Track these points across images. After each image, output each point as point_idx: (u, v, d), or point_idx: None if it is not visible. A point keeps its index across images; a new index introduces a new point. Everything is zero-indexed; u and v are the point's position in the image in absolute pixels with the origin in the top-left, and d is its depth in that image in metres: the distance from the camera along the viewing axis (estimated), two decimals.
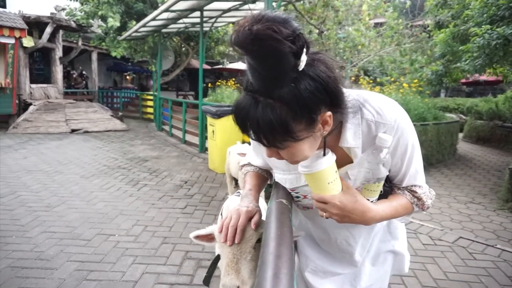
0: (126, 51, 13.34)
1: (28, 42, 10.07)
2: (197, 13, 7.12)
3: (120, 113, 12.84)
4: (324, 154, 0.86)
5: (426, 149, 6.59)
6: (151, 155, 7.14)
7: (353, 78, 10.23)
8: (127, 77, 20.18)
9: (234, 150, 3.88)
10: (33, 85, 11.15)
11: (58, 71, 11.91)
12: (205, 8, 6.85)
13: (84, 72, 15.46)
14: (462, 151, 8.63)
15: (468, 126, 10.72)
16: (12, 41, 9.09)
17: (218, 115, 5.67)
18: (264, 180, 1.21)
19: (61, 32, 11.72)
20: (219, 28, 13.29)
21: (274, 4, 6.14)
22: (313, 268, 1.21)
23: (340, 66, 0.81)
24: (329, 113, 0.77)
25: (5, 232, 3.34)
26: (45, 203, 4.15)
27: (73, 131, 9.83)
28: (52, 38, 11.17)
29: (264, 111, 0.71)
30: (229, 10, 7.17)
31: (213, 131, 5.94)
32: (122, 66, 17.94)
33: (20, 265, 2.74)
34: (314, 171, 0.83)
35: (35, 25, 10.44)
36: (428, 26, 8.77)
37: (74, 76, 14.90)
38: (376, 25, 9.59)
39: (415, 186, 0.97)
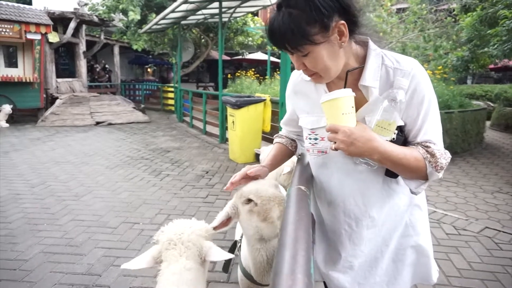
0: (146, 44, 13.53)
1: (53, 37, 10.37)
2: (216, 4, 7.12)
3: (142, 105, 13.09)
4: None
5: (451, 137, 6.41)
6: (173, 146, 7.27)
7: None
8: (148, 69, 20.47)
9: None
10: (59, 80, 11.50)
11: (82, 65, 12.23)
12: None
13: (107, 66, 15.79)
14: (490, 139, 8.34)
15: (496, 114, 10.32)
16: (39, 37, 9.39)
17: (238, 106, 5.70)
18: (287, 153, 1.36)
19: (84, 27, 11.99)
20: (238, 18, 13.25)
21: None
22: (325, 258, 1.23)
23: None
24: (342, 21, 0.89)
25: (37, 220, 3.51)
26: (73, 193, 4.32)
27: (97, 123, 10.11)
28: (76, 33, 11.45)
29: (284, 18, 0.87)
30: (244, 1, 7.13)
31: (233, 122, 5.98)
32: (143, 59, 18.20)
33: (51, 251, 2.89)
34: (331, 98, 0.93)
35: (59, 21, 10.72)
36: (453, 10, 8.44)
37: (98, 70, 15.25)
38: (399, 10, 9.31)
39: (429, 142, 0.97)
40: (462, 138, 6.77)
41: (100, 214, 3.67)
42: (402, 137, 0.99)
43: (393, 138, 0.97)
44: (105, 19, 11.77)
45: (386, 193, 1.10)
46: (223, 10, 7.45)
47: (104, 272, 2.59)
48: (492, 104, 11.39)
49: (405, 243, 1.16)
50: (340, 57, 0.95)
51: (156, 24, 9.56)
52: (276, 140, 1.38)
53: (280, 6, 0.89)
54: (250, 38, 15.19)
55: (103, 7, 14.37)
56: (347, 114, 0.93)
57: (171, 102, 13.44)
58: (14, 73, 9.54)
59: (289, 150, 1.36)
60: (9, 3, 9.60)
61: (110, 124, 10.23)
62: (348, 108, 0.94)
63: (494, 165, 6.06)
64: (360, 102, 1.00)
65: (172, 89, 13.40)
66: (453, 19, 8.20)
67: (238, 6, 7.56)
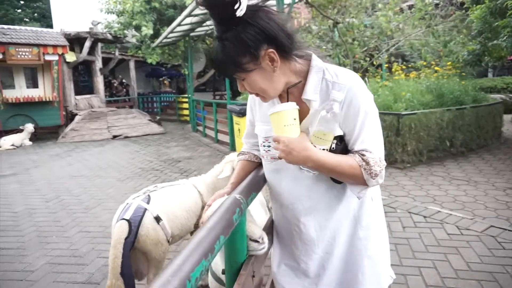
0: (160, 57, 13.91)
1: (70, 57, 10.85)
2: None
3: (158, 117, 13.41)
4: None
5: (464, 133, 6.23)
6: (184, 156, 7.42)
7: (386, 65, 9.89)
8: (165, 81, 20.97)
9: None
10: (78, 97, 11.99)
11: (99, 81, 12.69)
12: None
13: (124, 81, 16.31)
14: (510, 134, 8.03)
15: None
16: (56, 57, 9.86)
17: (242, 114, 5.77)
18: (251, 168, 1.39)
19: (100, 44, 12.46)
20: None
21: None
22: (280, 258, 1.27)
23: (285, 18, 1.05)
24: (271, 50, 0.97)
25: (47, 233, 3.69)
26: (84, 206, 4.50)
27: (114, 137, 10.45)
28: (92, 51, 11.92)
29: (219, 50, 0.98)
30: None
31: (238, 129, 6.06)
32: (159, 71, 18.67)
33: (57, 262, 3.03)
34: (273, 112, 1.03)
35: (75, 41, 11.22)
36: (464, 4, 8.23)
37: (115, 84, 15.77)
38: (410, 7, 9.16)
39: (366, 150, 1.02)
40: (477, 134, 6.56)
41: (106, 225, 3.81)
42: (341, 146, 1.05)
43: (332, 147, 1.04)
44: (118, 35, 12.20)
45: (335, 197, 1.15)
46: None
47: (102, 280, 2.69)
48: None
49: (355, 248, 1.17)
50: (275, 79, 1.04)
51: (166, 37, 9.84)
52: (239, 158, 1.42)
53: (219, 38, 0.99)
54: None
55: (118, 24, 14.91)
56: (289, 125, 1.03)
57: (186, 112, 13.70)
58: (35, 93, 10.04)
59: (254, 163, 1.39)
60: (28, 28, 10.15)
61: (126, 137, 10.55)
62: (290, 120, 1.03)
63: (511, 160, 5.84)
64: (305, 114, 1.08)
65: (186, 100, 13.67)
66: (464, 12, 7.99)
67: None
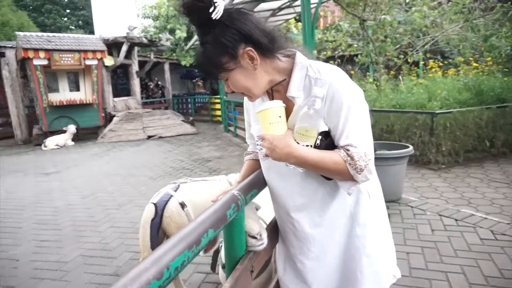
0: (193, 59, 14.25)
1: (108, 61, 11.39)
2: None
3: (191, 118, 13.73)
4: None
5: (507, 133, 5.85)
6: (214, 156, 7.56)
7: (423, 63, 9.49)
8: (199, 83, 21.41)
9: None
10: (116, 99, 12.55)
11: (136, 84, 13.21)
12: (255, 10, 7.01)
13: (159, 83, 16.86)
14: None
15: None
16: (95, 62, 10.40)
17: None
18: (257, 167, 1.39)
19: (136, 48, 12.98)
20: (281, 26, 13.43)
21: None
22: (284, 258, 1.28)
23: (262, 19, 1.06)
24: (249, 48, 1.00)
25: (82, 227, 3.91)
26: (116, 202, 4.71)
27: (149, 137, 10.84)
28: (129, 54, 12.44)
29: (201, 53, 1.02)
30: (279, 9, 7.25)
31: None
32: (193, 73, 19.09)
33: (88, 254, 3.21)
34: (260, 110, 1.07)
35: (113, 45, 11.76)
36: None
37: (151, 87, 16.34)
38: (448, 1, 8.74)
39: (350, 145, 1.01)
40: None
41: (135, 221, 3.96)
42: (325, 142, 1.04)
43: (317, 143, 1.04)
44: (154, 39, 12.64)
45: (328, 194, 1.13)
46: None
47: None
48: None
49: (352, 241, 1.16)
50: (258, 77, 1.06)
51: (197, 40, 10.03)
52: (245, 158, 1.47)
53: (200, 43, 1.04)
54: (295, 44, 15.27)
55: (153, 28, 15.46)
56: (274, 123, 1.05)
57: (219, 113, 13.91)
58: (76, 96, 10.64)
59: (259, 162, 1.40)
60: (70, 35, 10.78)
61: (160, 137, 10.90)
62: (275, 118, 1.05)
63: None
64: (290, 109, 1.10)
65: (219, 101, 13.89)
66: (510, 4, 7.50)
67: (271, 16, 7.70)
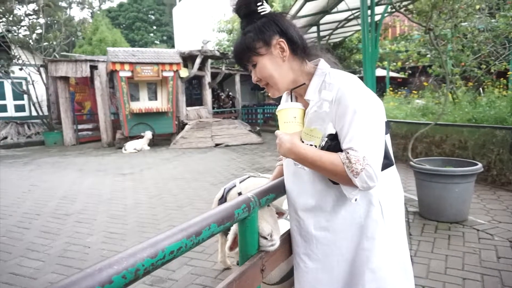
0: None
1: (183, 73, 12.26)
2: (314, 28, 7.38)
3: (258, 128, 14.07)
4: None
5: None
6: (275, 166, 7.64)
7: (510, 73, 8.56)
8: (268, 94, 21.81)
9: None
10: (189, 108, 13.43)
11: (208, 94, 13.98)
12: (321, 22, 7.05)
13: (230, 93, 17.61)
14: None
15: None
16: (172, 74, 11.28)
17: None
18: None
19: (209, 61, 13.77)
20: (352, 37, 13.25)
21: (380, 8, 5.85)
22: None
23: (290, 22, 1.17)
24: (281, 39, 1.12)
25: (145, 224, 4.27)
26: (178, 204, 5.05)
27: (216, 145, 11.36)
28: (202, 66, 13.25)
29: (241, 39, 1.15)
30: (346, 20, 7.17)
31: None
32: None
33: None
34: (279, 109, 1.17)
35: (189, 58, 12.65)
36: None
37: (222, 97, 17.13)
38: None
39: (351, 149, 1.03)
40: None
41: None
42: (330, 144, 1.08)
43: (321, 144, 1.09)
44: (225, 52, 13.29)
45: (337, 200, 1.14)
46: (321, 33, 7.65)
47: (178, 269, 3.02)
48: None
49: (358, 254, 1.14)
50: (284, 70, 1.16)
51: None
52: (277, 164, 1.58)
53: (242, 33, 1.17)
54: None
55: (227, 41, 16.27)
56: (288, 122, 1.14)
57: None
58: (153, 105, 11.63)
59: None
60: (151, 49, 11.87)
61: (227, 145, 11.36)
62: (289, 118, 1.14)
63: None
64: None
65: None
66: None
67: (337, 28, 7.65)
